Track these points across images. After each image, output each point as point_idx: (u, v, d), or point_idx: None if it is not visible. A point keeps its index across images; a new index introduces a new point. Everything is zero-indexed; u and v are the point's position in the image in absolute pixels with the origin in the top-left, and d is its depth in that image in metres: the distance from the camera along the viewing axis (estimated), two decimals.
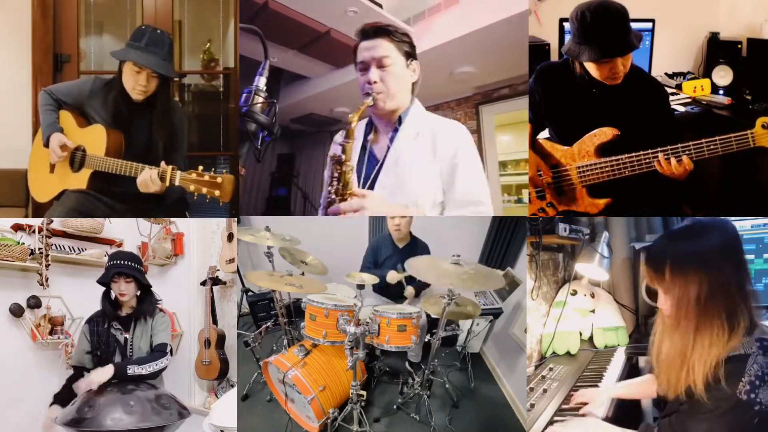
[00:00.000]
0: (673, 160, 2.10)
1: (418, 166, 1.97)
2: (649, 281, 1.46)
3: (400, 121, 2.04)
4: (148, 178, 2.27)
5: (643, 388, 1.91)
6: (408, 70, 2.03)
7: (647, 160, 2.18)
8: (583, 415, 1.85)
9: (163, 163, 2.28)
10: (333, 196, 1.92)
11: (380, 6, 3.43)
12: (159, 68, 2.39)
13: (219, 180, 2.17)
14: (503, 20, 3.11)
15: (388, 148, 2.04)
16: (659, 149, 2.15)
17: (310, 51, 3.85)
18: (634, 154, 2.20)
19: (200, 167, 2.22)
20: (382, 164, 2.03)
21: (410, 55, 2.03)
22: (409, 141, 2.01)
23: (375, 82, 1.96)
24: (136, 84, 2.42)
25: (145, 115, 2.50)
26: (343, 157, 1.92)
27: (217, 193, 2.17)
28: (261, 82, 2.33)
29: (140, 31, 2.44)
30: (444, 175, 1.96)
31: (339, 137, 2.04)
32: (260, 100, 2.28)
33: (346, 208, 1.86)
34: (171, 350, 2.44)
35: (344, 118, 4.79)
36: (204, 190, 2.18)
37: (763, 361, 1.29)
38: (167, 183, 2.25)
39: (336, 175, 1.93)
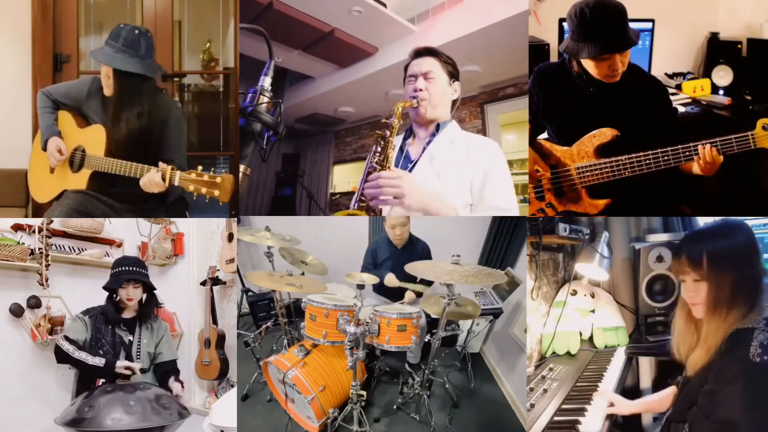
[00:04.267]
0: (714, 150, 2.09)
1: (450, 167, 2.11)
2: (680, 272, 1.65)
3: (438, 128, 2.20)
4: (152, 180, 2.26)
5: (668, 402, 1.90)
6: (450, 88, 2.22)
7: (647, 161, 2.18)
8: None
9: (162, 164, 2.28)
10: (375, 165, 2.09)
11: (384, 5, 3.43)
12: (111, 62, 2.40)
13: (218, 180, 2.17)
14: (508, 19, 3.12)
15: (424, 149, 2.18)
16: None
17: (315, 51, 3.87)
18: (633, 155, 2.20)
19: (199, 167, 2.21)
20: (416, 163, 2.17)
21: (453, 75, 2.23)
22: (445, 145, 2.17)
23: (420, 90, 2.16)
24: (103, 79, 2.47)
25: (134, 113, 2.48)
26: (388, 133, 2.12)
27: (216, 193, 2.17)
28: (266, 82, 2.34)
29: (111, 31, 2.47)
30: (475, 180, 2.08)
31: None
32: (265, 100, 2.29)
33: (387, 175, 2.01)
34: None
35: (349, 118, 4.84)
36: (203, 190, 2.18)
37: None
38: (167, 183, 2.24)
39: (378, 150, 2.11)
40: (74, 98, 2.57)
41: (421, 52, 2.24)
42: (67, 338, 2.29)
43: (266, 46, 2.37)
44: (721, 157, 2.10)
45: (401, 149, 2.23)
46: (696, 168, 2.15)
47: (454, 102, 2.25)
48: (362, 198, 2.04)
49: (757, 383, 1.42)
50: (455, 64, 2.25)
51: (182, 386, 2.45)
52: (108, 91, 2.48)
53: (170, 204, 2.57)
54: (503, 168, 2.12)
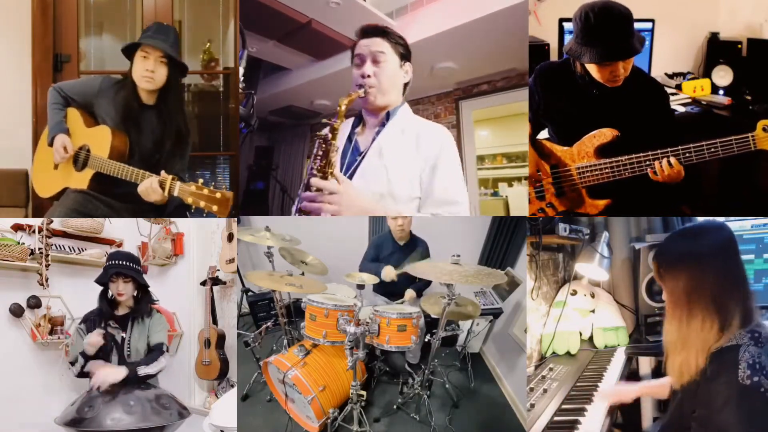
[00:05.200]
0: (664, 163, 2.11)
1: (399, 159, 2.01)
2: (655, 277, 1.64)
3: (388, 116, 2.09)
4: (150, 188, 2.24)
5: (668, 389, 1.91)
6: (401, 70, 2.09)
7: (647, 162, 2.18)
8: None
9: (163, 172, 2.25)
10: (314, 172, 1.94)
11: None
12: (166, 48, 2.39)
13: (218, 195, 2.13)
14: (486, 16, 3.12)
15: (374, 139, 2.08)
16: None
17: (291, 42, 3.79)
18: (633, 156, 2.19)
19: (200, 180, 2.18)
20: (365, 155, 2.07)
21: (404, 57, 2.10)
22: (395, 136, 2.06)
23: (369, 76, 2.03)
24: (144, 70, 2.40)
25: (155, 116, 2.49)
26: (330, 136, 1.95)
27: (214, 208, 2.13)
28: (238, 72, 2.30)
29: (148, 27, 2.49)
30: (424, 172, 2.00)
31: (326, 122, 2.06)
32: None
33: (323, 185, 1.88)
34: (167, 349, 2.46)
35: (325, 111, 4.80)
36: (202, 203, 2.14)
37: (755, 351, 1.38)
38: (166, 193, 2.22)
39: (320, 153, 1.95)
40: (85, 96, 2.55)
41: (369, 31, 2.08)
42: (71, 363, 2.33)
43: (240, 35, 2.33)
44: (681, 168, 2.10)
45: (350, 138, 2.12)
46: (657, 177, 2.14)
47: (405, 85, 2.12)
48: (301, 209, 1.93)
49: (750, 406, 1.36)
50: (407, 44, 2.11)
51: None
52: (147, 84, 2.42)
53: (171, 212, 2.55)
54: (453, 159, 2.02)
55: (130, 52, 2.45)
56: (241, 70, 2.27)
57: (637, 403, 2.36)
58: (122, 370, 2.26)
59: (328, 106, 4.65)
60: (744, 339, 1.41)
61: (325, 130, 1.96)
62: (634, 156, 2.19)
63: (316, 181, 1.90)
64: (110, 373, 2.24)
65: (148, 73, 2.40)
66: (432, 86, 4.02)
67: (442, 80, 3.88)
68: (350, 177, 2.04)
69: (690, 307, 1.49)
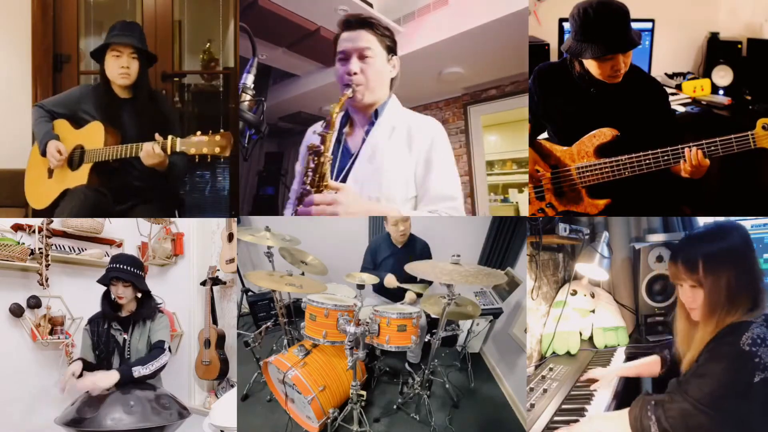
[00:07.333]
0: (700, 153, 2.09)
1: (392, 161, 1.96)
2: (676, 277, 1.64)
3: (376, 114, 2.03)
4: (150, 150, 2.32)
5: (648, 367, 2.03)
6: (388, 65, 2.03)
7: (647, 162, 2.18)
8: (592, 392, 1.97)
9: (161, 136, 2.34)
10: (308, 188, 1.89)
11: (371, 5, 3.43)
12: (136, 43, 2.50)
13: (218, 138, 2.25)
14: (493, 21, 3.13)
15: (363, 141, 2.03)
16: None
17: (300, 49, 3.85)
18: (633, 155, 2.20)
19: (198, 131, 2.29)
20: (356, 157, 2.02)
21: (391, 50, 2.03)
22: (385, 135, 2.01)
23: (355, 73, 1.96)
24: (119, 68, 2.50)
25: (133, 108, 2.57)
26: (322, 147, 1.90)
27: (217, 150, 2.25)
28: (249, 79, 2.34)
29: (112, 27, 2.57)
30: (418, 170, 1.96)
31: (318, 127, 2.01)
32: (248, 97, 2.30)
33: (320, 200, 1.83)
34: (169, 347, 2.44)
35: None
36: (205, 149, 2.26)
37: (764, 330, 1.46)
38: (168, 151, 2.32)
39: (312, 166, 1.90)
40: (67, 106, 2.63)
41: (352, 24, 1.99)
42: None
43: (250, 43, 2.36)
44: (707, 161, 2.10)
45: (338, 140, 2.05)
46: (683, 171, 2.14)
47: (392, 80, 2.05)
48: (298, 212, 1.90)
49: (738, 367, 1.42)
50: (393, 35, 2.03)
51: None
52: (123, 80, 2.52)
53: (172, 179, 2.61)
54: (446, 152, 1.97)
55: (100, 53, 2.54)
56: (252, 78, 2.31)
57: (639, 389, 2.36)
58: (113, 374, 2.19)
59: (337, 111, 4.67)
60: (758, 319, 1.49)
61: (317, 141, 1.92)
62: (633, 155, 2.20)
63: (311, 200, 1.85)
64: (102, 378, 2.18)
65: (124, 69, 2.51)
66: (440, 91, 4.03)
67: (449, 85, 3.90)
68: (343, 181, 1.99)
69: (730, 306, 1.53)
